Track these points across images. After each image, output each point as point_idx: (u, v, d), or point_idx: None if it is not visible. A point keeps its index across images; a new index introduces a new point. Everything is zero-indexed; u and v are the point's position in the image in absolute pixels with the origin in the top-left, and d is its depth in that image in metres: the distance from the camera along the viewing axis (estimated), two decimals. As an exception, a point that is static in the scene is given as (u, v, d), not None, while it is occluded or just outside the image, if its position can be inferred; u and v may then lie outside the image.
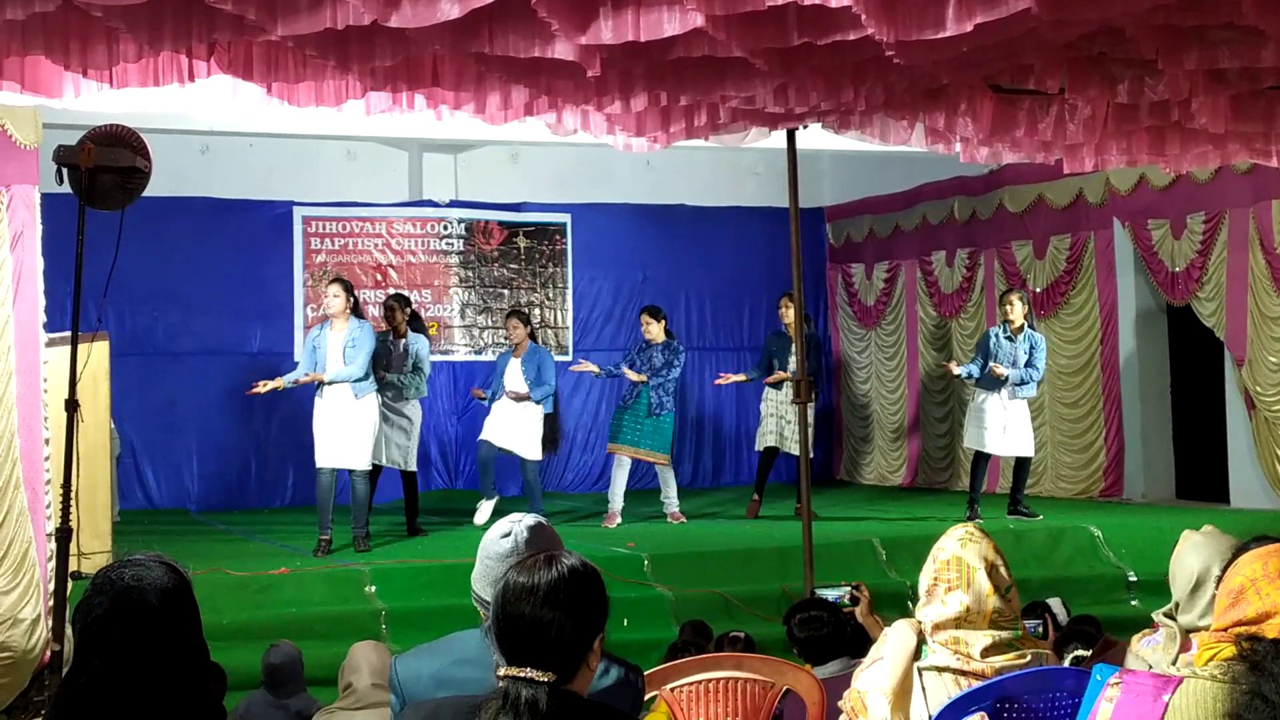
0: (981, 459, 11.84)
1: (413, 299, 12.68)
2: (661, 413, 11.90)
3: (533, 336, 11.96)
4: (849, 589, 6.48)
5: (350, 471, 10.40)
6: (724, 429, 15.72)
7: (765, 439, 12.53)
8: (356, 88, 6.69)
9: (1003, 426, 11.59)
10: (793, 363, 12.27)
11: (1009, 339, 11.55)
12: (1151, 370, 13.06)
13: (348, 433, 10.33)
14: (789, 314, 12.19)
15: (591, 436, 14.97)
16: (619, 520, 11.79)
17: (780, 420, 12.38)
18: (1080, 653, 5.65)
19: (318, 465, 10.43)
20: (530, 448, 11.58)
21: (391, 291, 13.24)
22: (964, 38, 5.05)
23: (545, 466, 14.90)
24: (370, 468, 10.56)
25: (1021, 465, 11.88)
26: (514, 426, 11.57)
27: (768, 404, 12.57)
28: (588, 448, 15.01)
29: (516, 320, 11.95)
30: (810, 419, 12.18)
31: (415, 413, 11.42)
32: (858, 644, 5.70)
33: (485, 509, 11.54)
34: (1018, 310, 11.56)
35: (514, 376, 11.65)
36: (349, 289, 10.55)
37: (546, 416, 11.69)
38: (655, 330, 12.07)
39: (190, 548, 10.34)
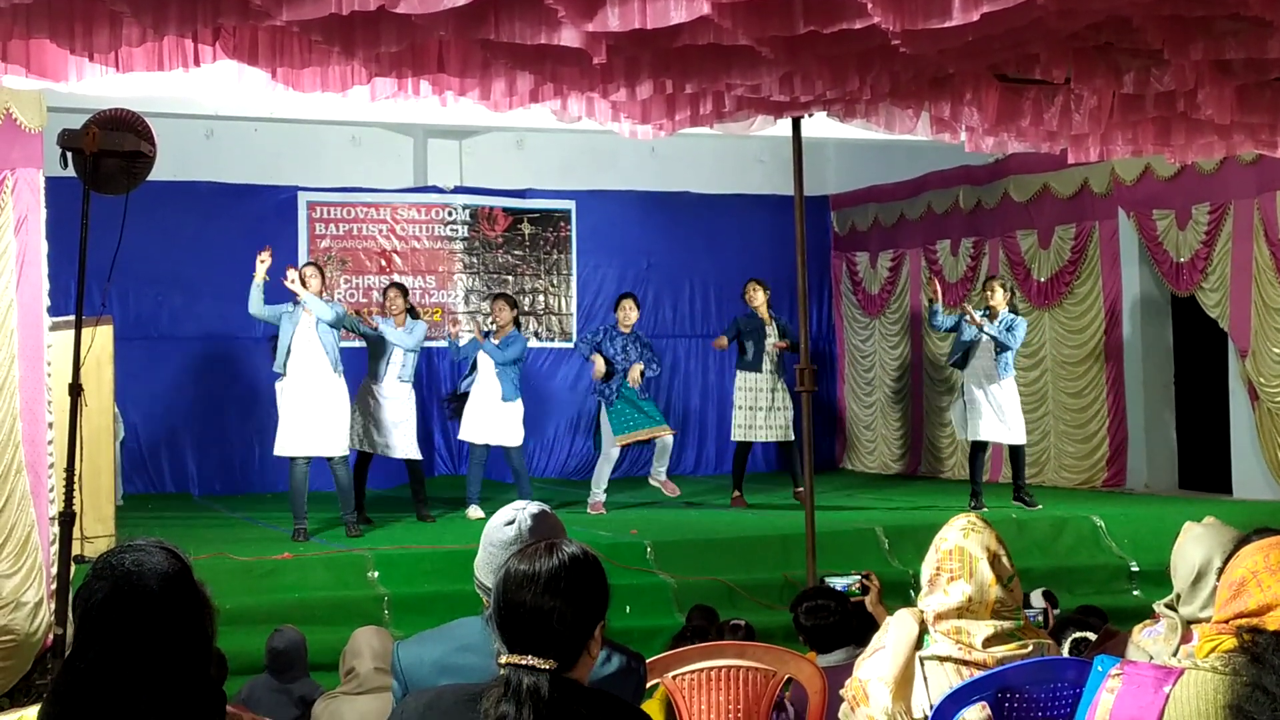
0: (979, 449, 11.87)
1: (416, 285, 12.75)
2: (646, 394, 12.10)
3: (517, 323, 11.82)
4: (859, 577, 6.48)
5: (329, 459, 10.42)
6: (727, 417, 15.66)
7: (752, 431, 12.53)
8: (362, 73, 6.67)
9: (994, 412, 11.62)
10: (769, 343, 12.38)
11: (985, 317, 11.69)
12: (1155, 361, 13.05)
13: (322, 417, 10.28)
14: (757, 298, 12.29)
15: (593, 423, 14.95)
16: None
17: (753, 411, 12.38)
18: (1078, 634, 5.66)
19: (290, 454, 10.35)
20: (512, 436, 11.56)
21: (396, 279, 13.24)
22: (970, 27, 5.04)
23: (552, 455, 14.99)
24: (347, 452, 10.55)
25: (1016, 453, 11.89)
26: (493, 418, 11.54)
27: (740, 394, 12.56)
28: (590, 433, 15.00)
29: (503, 303, 11.91)
30: (785, 404, 12.26)
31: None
32: (864, 633, 5.69)
33: (476, 512, 11.35)
34: (998, 296, 11.67)
35: (485, 361, 11.61)
36: (323, 273, 10.77)
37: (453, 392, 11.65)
38: (634, 318, 12.13)
39: (193, 532, 10.37)
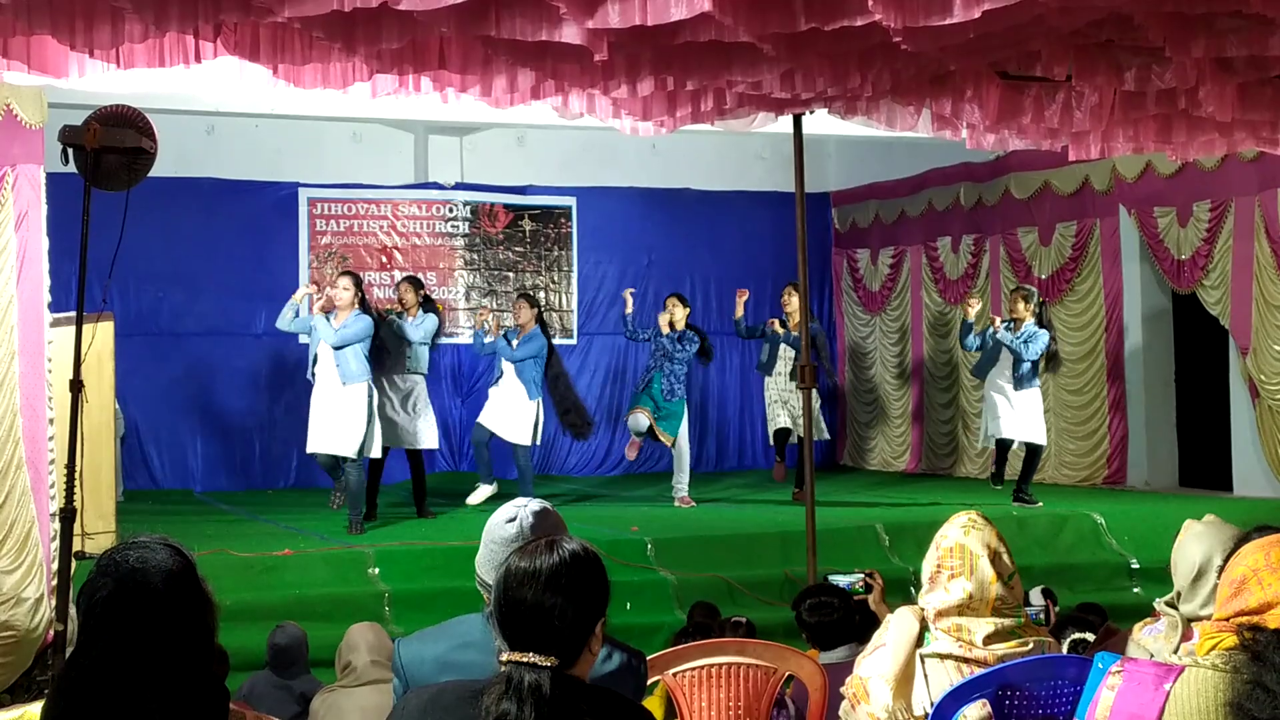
0: (1004, 447, 12.01)
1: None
2: (672, 399, 12.02)
3: (540, 320, 11.88)
4: (862, 576, 6.46)
5: (342, 459, 10.47)
6: (729, 415, 15.73)
7: (776, 420, 12.72)
8: (363, 70, 6.67)
9: (1012, 410, 11.66)
10: (780, 350, 12.43)
11: (1007, 328, 11.64)
12: (1156, 358, 13.05)
13: (334, 420, 10.40)
14: (792, 303, 12.28)
15: (595, 419, 14.96)
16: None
17: (787, 405, 12.50)
18: (1077, 635, 5.66)
19: (310, 451, 10.72)
20: (520, 434, 11.57)
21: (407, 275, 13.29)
22: (971, 24, 5.04)
23: (553, 451, 14.98)
24: (358, 456, 10.50)
25: (1032, 453, 11.91)
26: (507, 413, 11.58)
27: (769, 391, 12.78)
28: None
29: (523, 302, 11.95)
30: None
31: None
32: (866, 630, 5.68)
33: (482, 492, 11.66)
34: (1020, 307, 11.68)
35: (508, 363, 11.66)
36: (359, 283, 10.69)
37: (566, 403, 11.74)
38: (679, 316, 12.15)
39: (194, 528, 10.37)
